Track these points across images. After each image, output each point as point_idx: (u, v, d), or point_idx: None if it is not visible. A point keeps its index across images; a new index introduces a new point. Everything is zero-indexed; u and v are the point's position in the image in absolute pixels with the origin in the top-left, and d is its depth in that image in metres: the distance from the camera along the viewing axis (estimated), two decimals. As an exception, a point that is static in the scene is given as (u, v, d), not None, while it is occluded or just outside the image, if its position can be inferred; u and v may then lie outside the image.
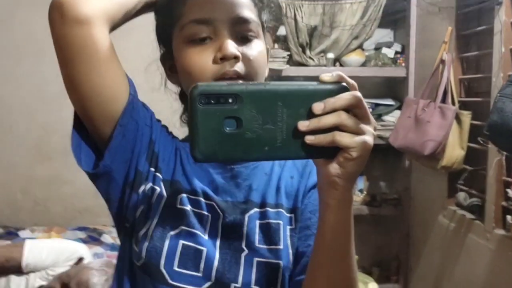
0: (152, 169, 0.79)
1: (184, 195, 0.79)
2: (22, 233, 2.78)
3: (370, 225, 3.06)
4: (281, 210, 0.80)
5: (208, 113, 0.56)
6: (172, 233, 0.76)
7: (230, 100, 0.57)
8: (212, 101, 0.56)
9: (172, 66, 0.83)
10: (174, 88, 0.90)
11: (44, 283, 1.84)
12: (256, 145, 0.58)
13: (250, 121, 0.57)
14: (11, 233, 2.77)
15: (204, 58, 0.75)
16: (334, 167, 0.60)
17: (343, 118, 0.58)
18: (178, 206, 0.78)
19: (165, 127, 0.86)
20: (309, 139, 0.58)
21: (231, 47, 0.74)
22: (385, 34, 3.07)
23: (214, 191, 0.80)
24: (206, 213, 0.78)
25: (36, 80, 3.01)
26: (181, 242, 0.75)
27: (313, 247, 0.70)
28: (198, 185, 0.80)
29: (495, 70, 2.00)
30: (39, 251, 1.85)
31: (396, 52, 2.93)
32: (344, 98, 0.58)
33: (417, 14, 2.79)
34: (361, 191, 3.03)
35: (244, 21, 0.77)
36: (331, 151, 0.60)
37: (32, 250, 1.84)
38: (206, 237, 0.77)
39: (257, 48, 0.78)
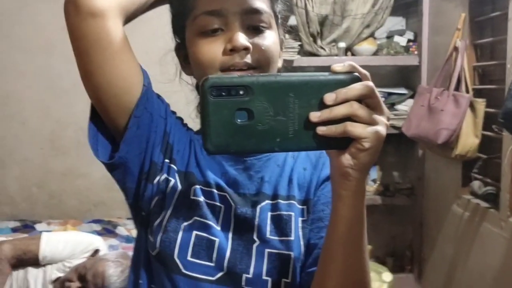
0: (167, 160, 0.80)
1: (198, 186, 0.79)
2: (38, 226, 2.81)
3: (383, 215, 3.05)
4: (293, 202, 0.81)
5: (219, 105, 0.57)
6: (185, 224, 0.77)
7: (241, 92, 0.57)
8: (223, 93, 0.57)
9: (186, 57, 0.84)
10: (189, 79, 0.90)
11: (61, 274, 1.87)
12: (268, 136, 0.58)
13: (262, 113, 0.58)
14: (28, 227, 2.81)
15: (214, 49, 0.76)
16: (346, 158, 0.60)
17: (355, 108, 0.57)
18: (192, 197, 0.78)
19: (180, 119, 0.87)
20: (320, 130, 0.58)
21: (242, 38, 0.74)
22: (397, 22, 3.03)
23: (226, 182, 0.81)
24: (219, 204, 0.79)
25: (48, 75, 3.03)
26: (195, 232, 0.76)
27: (325, 238, 0.70)
28: (211, 176, 0.81)
29: (510, 56, 1.97)
30: (55, 243, 1.87)
31: (409, 40, 2.90)
32: (356, 88, 0.58)
33: (429, 0, 2.75)
34: (374, 181, 3.01)
35: (256, 12, 0.77)
36: (344, 142, 0.60)
37: (49, 243, 1.86)
38: (218, 228, 0.78)
39: (269, 39, 0.78)
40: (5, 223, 2.83)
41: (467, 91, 2.27)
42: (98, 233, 2.60)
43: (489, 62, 2.30)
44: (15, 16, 2.99)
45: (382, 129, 0.59)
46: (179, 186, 0.79)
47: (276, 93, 0.58)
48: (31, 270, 1.88)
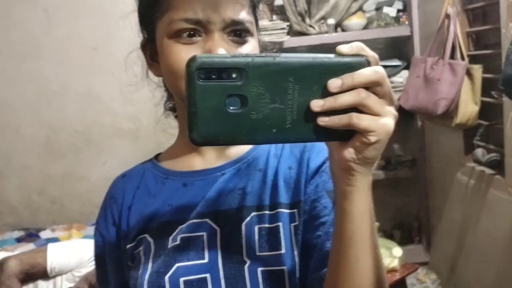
0: (133, 243, 0.79)
1: (173, 232, 0.75)
2: (43, 234, 2.80)
3: (387, 188, 3.04)
4: (280, 210, 0.74)
5: (208, 90, 0.50)
6: (168, 275, 0.72)
7: (233, 75, 0.50)
8: (213, 76, 0.50)
9: (154, 54, 0.78)
10: (156, 78, 0.84)
11: (71, 284, 1.86)
12: (263, 126, 0.51)
13: (256, 100, 0.51)
14: (32, 235, 2.79)
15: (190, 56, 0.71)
16: (349, 152, 0.54)
17: (363, 97, 0.51)
18: (169, 246, 0.74)
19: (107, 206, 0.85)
20: (322, 120, 0.52)
21: (221, 52, 0.69)
22: (385, -7, 2.98)
23: (204, 205, 0.76)
24: (200, 233, 0.74)
25: (37, 79, 2.99)
26: (181, 279, 0.72)
27: (332, 239, 0.64)
28: (185, 208, 0.76)
29: (504, 20, 1.93)
30: (62, 254, 1.86)
31: (398, 11, 2.86)
32: (364, 74, 0.51)
33: (417, -33, 2.70)
34: (375, 155, 3.00)
35: (238, 23, 0.71)
36: (346, 133, 0.53)
37: (56, 254, 1.85)
38: (205, 260, 0.73)
39: (250, 47, 0.72)
40: (9, 233, 2.82)
41: (462, 58, 2.24)
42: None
43: (483, 27, 2.25)
44: (0, 22, 2.93)
45: (390, 122, 0.52)
46: (152, 248, 0.76)
47: (274, 77, 0.50)
48: (41, 283, 1.87)
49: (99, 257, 0.85)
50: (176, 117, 0.86)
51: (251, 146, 0.80)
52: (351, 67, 0.51)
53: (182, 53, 0.70)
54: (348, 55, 0.52)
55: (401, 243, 2.81)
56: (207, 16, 0.70)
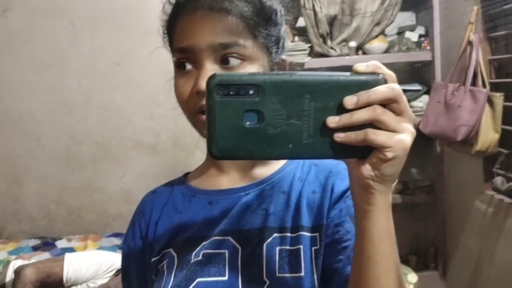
0: (158, 256, 0.81)
1: (196, 248, 0.77)
2: (59, 243, 2.82)
3: (404, 213, 3.01)
4: (302, 233, 0.74)
5: (226, 105, 0.52)
6: None
7: (251, 92, 0.52)
8: (231, 93, 0.52)
9: None
10: None
11: (85, 295, 1.87)
12: (279, 142, 0.53)
13: (273, 115, 0.52)
14: (48, 244, 2.82)
15: (185, 88, 0.74)
16: (367, 169, 0.54)
17: (379, 113, 0.51)
18: (192, 261, 0.75)
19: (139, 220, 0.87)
20: (338, 136, 0.52)
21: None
22: (407, 17, 2.99)
23: (227, 223, 0.77)
24: (222, 251, 0.75)
25: (59, 91, 3.04)
26: None
27: (353, 260, 0.64)
28: (209, 225, 0.78)
29: (527, 49, 1.93)
30: (79, 264, 1.87)
31: (420, 36, 2.86)
32: (380, 91, 0.51)
33: (439, -6, 2.71)
34: (392, 179, 2.98)
35: (226, 47, 0.71)
36: (364, 151, 0.54)
37: (72, 264, 1.86)
38: (225, 277, 0.73)
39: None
40: (25, 241, 2.85)
41: (484, 86, 2.23)
42: (119, 247, 2.60)
43: (505, 55, 2.24)
44: (25, 35, 3.00)
45: (407, 138, 0.52)
46: (175, 261, 0.77)
47: (290, 94, 0.52)
48: (56, 293, 1.88)
49: (126, 269, 0.87)
50: None
51: (276, 168, 0.82)
52: (367, 85, 0.52)
53: (180, 85, 0.74)
54: (364, 73, 0.53)
55: (417, 269, 2.78)
56: (192, 43, 0.72)
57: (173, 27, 0.76)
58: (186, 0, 0.75)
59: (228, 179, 0.83)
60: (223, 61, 0.72)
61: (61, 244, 2.81)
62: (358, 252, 0.60)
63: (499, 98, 2.18)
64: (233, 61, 0.72)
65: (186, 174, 0.90)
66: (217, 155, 0.53)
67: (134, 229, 0.86)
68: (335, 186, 0.77)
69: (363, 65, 0.54)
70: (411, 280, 2.36)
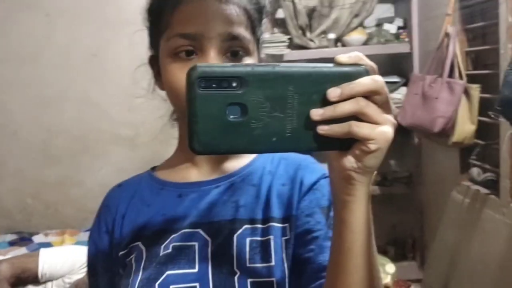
0: (125, 250, 0.80)
1: (165, 240, 0.76)
2: (36, 238, 2.78)
3: (382, 204, 3.04)
4: (272, 224, 0.75)
5: (208, 98, 0.50)
6: (158, 282, 0.73)
7: (234, 84, 0.50)
8: (214, 85, 0.50)
9: (159, 69, 0.80)
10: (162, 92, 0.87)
11: (61, 291, 1.85)
12: (263, 135, 0.52)
13: (257, 108, 0.51)
14: (25, 239, 2.78)
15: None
16: (349, 161, 0.54)
17: (362, 105, 0.51)
18: (161, 254, 0.75)
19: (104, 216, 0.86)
20: (322, 129, 0.52)
21: None
22: (386, 9, 3.01)
23: (197, 215, 0.77)
24: (192, 243, 0.75)
25: (35, 84, 2.99)
26: (171, 287, 0.72)
27: (331, 251, 0.64)
28: (178, 218, 0.77)
29: (503, 41, 1.95)
30: (54, 260, 1.85)
31: (399, 28, 2.87)
32: (363, 83, 0.51)
33: (417, -14, 2.73)
34: (371, 170, 3.00)
35: (234, 38, 0.72)
36: (346, 142, 0.53)
37: (47, 260, 1.83)
38: (195, 269, 0.73)
39: None
40: (2, 237, 2.80)
41: (461, 77, 2.25)
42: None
43: (482, 47, 2.27)
44: (1, 26, 2.94)
45: (390, 130, 0.53)
46: (144, 255, 0.76)
47: (274, 86, 0.51)
48: (31, 289, 1.86)
49: (92, 265, 0.86)
50: None
51: (246, 162, 0.83)
52: (350, 76, 0.52)
53: (178, 72, 0.72)
54: (346, 65, 0.53)
55: (395, 259, 2.81)
56: (202, 31, 0.71)
57: (172, 12, 0.73)
58: None
59: (198, 172, 0.82)
60: (232, 53, 0.73)
61: (38, 239, 2.77)
62: (338, 243, 0.61)
63: (475, 90, 2.20)
64: (241, 54, 0.73)
65: (154, 168, 0.89)
66: (199, 150, 0.52)
67: (100, 224, 0.84)
68: (304, 179, 0.78)
69: (345, 56, 0.53)
70: (389, 270, 2.38)
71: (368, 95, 0.52)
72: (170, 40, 0.73)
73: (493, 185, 2.15)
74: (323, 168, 0.80)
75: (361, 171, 0.55)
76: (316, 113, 0.52)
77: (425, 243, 2.92)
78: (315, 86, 0.52)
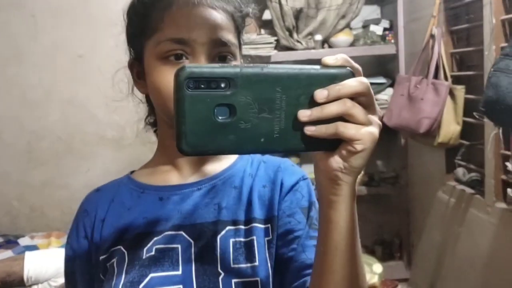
0: (106, 254, 0.79)
1: (148, 243, 0.76)
2: (21, 241, 2.75)
3: (369, 204, 3.06)
4: (254, 224, 0.76)
5: (197, 99, 0.50)
6: (142, 285, 0.73)
7: (222, 85, 0.50)
8: (202, 86, 0.50)
9: (140, 73, 0.80)
10: (140, 95, 0.86)
11: (47, 294, 1.83)
12: (251, 136, 0.52)
13: (245, 109, 0.51)
14: (11, 242, 2.74)
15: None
16: (336, 161, 0.55)
17: (349, 106, 0.52)
18: (144, 257, 0.75)
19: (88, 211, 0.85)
20: (309, 130, 0.53)
21: None
22: (372, 11, 3.02)
23: (180, 218, 0.77)
24: (175, 245, 0.76)
25: (19, 85, 2.96)
26: None
27: (317, 250, 0.65)
28: (160, 221, 0.78)
29: (487, 42, 1.97)
30: (39, 263, 1.82)
31: (385, 29, 2.89)
32: (350, 84, 0.52)
33: (403, -13, 2.75)
34: (358, 171, 3.02)
35: (223, 44, 0.73)
36: (333, 143, 0.54)
37: (33, 263, 1.81)
38: (179, 271, 0.74)
39: None
40: (-14, 240, 2.77)
41: (446, 79, 2.27)
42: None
43: (466, 48, 2.29)
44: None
45: (375, 130, 0.54)
46: (126, 258, 0.76)
47: (262, 87, 0.51)
48: (17, 292, 1.83)
49: (70, 272, 0.85)
50: (155, 131, 0.89)
51: (227, 165, 0.83)
52: (336, 78, 0.53)
53: (169, 75, 0.72)
54: (333, 66, 0.53)
55: (382, 259, 2.83)
56: (194, 36, 0.72)
57: (162, 15, 0.74)
58: None
59: (179, 175, 0.82)
60: (220, 58, 0.74)
61: (24, 241, 2.74)
62: (325, 241, 0.61)
63: (460, 91, 2.22)
64: (229, 59, 0.75)
65: (132, 172, 0.89)
66: (187, 151, 0.51)
67: (78, 229, 0.83)
68: (284, 180, 0.80)
69: (332, 58, 0.54)
70: (376, 270, 2.39)
71: (354, 97, 0.53)
72: (161, 44, 0.73)
73: (478, 185, 2.18)
74: (302, 170, 0.84)
75: (347, 171, 0.55)
76: (304, 114, 0.52)
77: (412, 242, 2.94)
78: (302, 88, 0.52)
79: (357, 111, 0.52)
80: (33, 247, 2.59)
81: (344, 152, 0.54)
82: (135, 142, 2.89)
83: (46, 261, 1.85)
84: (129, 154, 2.92)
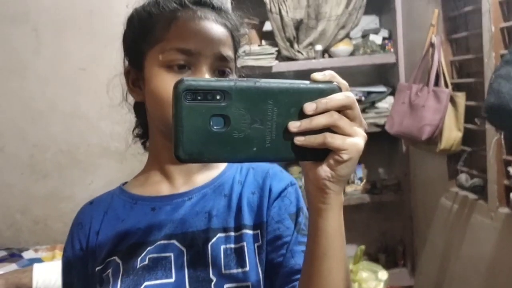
0: (102, 265, 0.81)
1: (142, 253, 0.78)
2: (25, 254, 2.74)
3: (372, 212, 3.07)
4: (244, 231, 0.79)
5: (194, 110, 0.54)
6: None
7: (218, 97, 0.54)
8: (199, 97, 0.54)
9: (135, 79, 0.83)
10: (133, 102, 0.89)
11: (56, 305, 1.83)
12: (244, 145, 0.55)
13: (238, 120, 0.55)
14: (15, 255, 2.73)
15: None
16: (324, 170, 0.59)
17: (336, 118, 0.56)
18: (138, 266, 0.77)
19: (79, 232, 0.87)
20: (299, 140, 0.56)
21: None
22: (371, 21, 3.06)
23: (172, 227, 0.80)
24: (168, 254, 0.78)
25: (22, 98, 2.96)
26: None
27: (305, 255, 0.68)
28: (153, 231, 0.80)
29: (487, 50, 2.00)
30: (48, 274, 1.83)
31: (384, 38, 2.93)
32: (336, 98, 0.56)
33: (401, -2, 2.79)
34: (360, 179, 3.03)
35: (223, 58, 0.78)
36: (321, 153, 0.58)
37: (41, 274, 1.82)
38: (172, 279, 0.76)
39: None
40: (-10, 254, 2.76)
41: (446, 86, 2.30)
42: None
43: (466, 56, 2.32)
44: (-16, 41, 2.92)
45: (361, 141, 0.58)
46: (121, 268, 0.78)
47: (255, 100, 0.55)
48: (25, 304, 1.83)
49: (67, 283, 0.87)
50: (142, 143, 0.92)
51: (217, 173, 0.87)
52: (324, 92, 0.57)
53: (171, 82, 0.74)
54: (321, 82, 0.58)
55: (386, 266, 2.83)
56: (199, 48, 0.76)
57: (169, 26, 0.77)
58: (190, 7, 0.78)
59: (170, 185, 0.85)
60: (220, 72, 0.78)
61: (28, 255, 2.73)
62: (313, 248, 0.65)
63: (461, 98, 2.25)
64: (227, 73, 0.79)
65: (124, 184, 0.91)
66: (184, 158, 0.55)
67: (74, 241, 0.86)
68: (272, 187, 0.83)
69: (320, 74, 0.58)
70: (382, 277, 2.40)
71: (341, 110, 0.57)
72: (165, 53, 0.76)
73: (481, 191, 2.20)
74: (290, 175, 0.87)
75: (334, 180, 0.59)
76: (294, 125, 0.56)
77: (415, 249, 2.96)
78: (292, 101, 0.56)
79: (343, 122, 0.57)
80: (38, 260, 2.58)
81: (331, 161, 0.58)
82: (138, 153, 2.90)
83: (54, 273, 1.86)
84: (132, 165, 2.91)
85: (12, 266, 2.53)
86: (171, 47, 0.76)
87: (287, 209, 0.81)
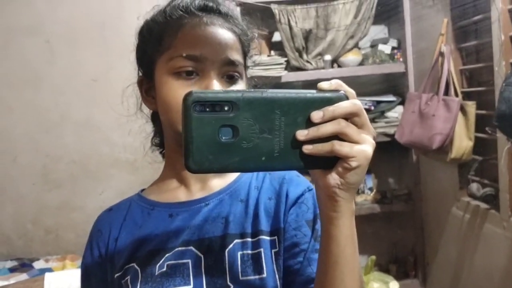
0: (121, 272, 0.81)
1: (160, 260, 0.79)
2: (36, 264, 2.76)
3: (383, 222, 3.06)
4: (261, 237, 0.79)
5: (203, 121, 0.55)
6: None
7: (226, 108, 0.55)
8: (207, 109, 0.55)
9: (148, 89, 0.84)
10: (147, 112, 0.90)
11: (66, 315, 1.84)
12: (253, 155, 0.56)
13: (247, 130, 0.56)
14: (26, 265, 2.75)
15: None
16: (333, 178, 0.59)
17: (343, 126, 0.56)
18: (157, 273, 0.78)
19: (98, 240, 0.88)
20: (307, 148, 0.57)
21: (217, 88, 0.76)
22: (380, 30, 3.07)
23: (189, 233, 0.80)
24: (185, 260, 0.78)
25: (36, 109, 3.01)
26: None
27: (318, 262, 0.69)
28: (171, 237, 0.80)
29: (497, 58, 2.00)
30: (59, 284, 1.84)
31: (393, 48, 2.93)
32: (343, 106, 0.57)
33: (410, 7, 2.79)
34: (370, 189, 3.02)
35: (231, 63, 0.78)
36: (330, 161, 0.58)
37: (52, 284, 1.83)
38: (190, 286, 0.77)
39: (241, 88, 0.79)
40: (2, 263, 2.78)
41: (456, 95, 2.30)
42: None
43: (476, 65, 2.32)
44: (0, 52, 2.97)
45: (369, 148, 0.58)
46: (139, 275, 0.79)
47: (262, 110, 0.56)
48: (37, 313, 1.85)
49: None
50: (161, 152, 0.93)
51: (232, 179, 0.87)
52: (331, 101, 0.58)
53: (179, 90, 0.76)
54: (328, 90, 0.58)
55: (397, 277, 2.80)
56: (206, 54, 0.76)
57: (176, 33, 0.78)
58: (196, 14, 0.79)
59: (187, 191, 0.85)
60: (228, 77, 0.78)
61: (38, 265, 2.75)
62: (325, 256, 0.65)
63: (471, 107, 2.24)
64: (236, 78, 0.79)
65: (142, 190, 0.92)
66: (194, 169, 0.55)
67: (92, 248, 0.87)
68: (289, 192, 0.83)
69: (326, 83, 0.59)
70: (393, 287, 2.38)
71: (348, 117, 0.57)
72: (173, 60, 0.77)
73: (492, 200, 2.18)
74: (307, 180, 0.86)
75: (344, 188, 0.59)
76: (301, 134, 0.56)
77: (427, 260, 2.93)
78: (300, 110, 0.57)
79: (351, 130, 0.57)
80: (48, 270, 2.60)
81: (340, 169, 0.58)
82: (149, 164, 2.92)
83: (65, 282, 1.87)
84: (143, 176, 2.95)
85: (23, 276, 2.54)
86: (178, 54, 0.76)
87: (304, 216, 0.81)
